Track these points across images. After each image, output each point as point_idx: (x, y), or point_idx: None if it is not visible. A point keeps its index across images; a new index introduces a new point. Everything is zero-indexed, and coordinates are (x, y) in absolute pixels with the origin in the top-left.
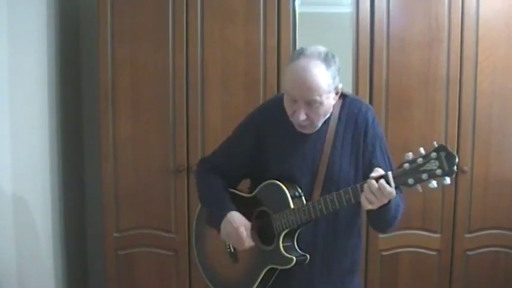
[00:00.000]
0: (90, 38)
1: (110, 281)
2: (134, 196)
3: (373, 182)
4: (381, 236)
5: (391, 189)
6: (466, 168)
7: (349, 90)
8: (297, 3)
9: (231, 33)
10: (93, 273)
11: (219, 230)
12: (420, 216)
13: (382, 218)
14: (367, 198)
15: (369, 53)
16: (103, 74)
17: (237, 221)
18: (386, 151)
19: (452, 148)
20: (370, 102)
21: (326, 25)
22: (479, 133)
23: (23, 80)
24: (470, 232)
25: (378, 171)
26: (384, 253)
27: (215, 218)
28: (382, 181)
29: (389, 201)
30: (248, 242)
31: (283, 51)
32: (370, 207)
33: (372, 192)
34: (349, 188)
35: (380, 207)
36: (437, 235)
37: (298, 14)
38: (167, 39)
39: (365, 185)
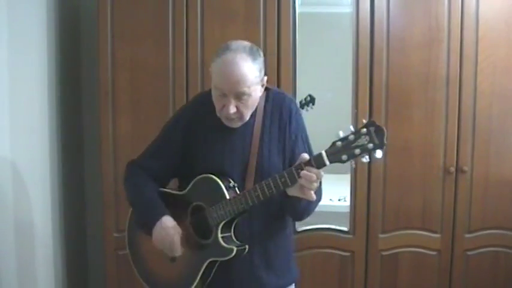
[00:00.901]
0: (90, 38)
1: (110, 281)
2: None
3: (311, 168)
4: (381, 235)
5: (321, 174)
6: (466, 168)
7: (349, 90)
8: (297, 3)
9: (231, 33)
10: (93, 273)
11: (150, 234)
12: (420, 216)
13: (298, 205)
14: (302, 185)
15: (369, 53)
16: (103, 74)
17: (170, 227)
18: (308, 140)
19: (452, 148)
20: (370, 102)
21: (326, 25)
22: (479, 133)
23: (23, 80)
24: (470, 232)
25: (305, 156)
26: (384, 253)
27: (147, 223)
28: (313, 168)
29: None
30: (180, 250)
31: (283, 51)
32: (297, 193)
33: (306, 180)
34: (284, 171)
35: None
36: (437, 235)
37: (298, 14)
38: (167, 39)
39: (303, 172)
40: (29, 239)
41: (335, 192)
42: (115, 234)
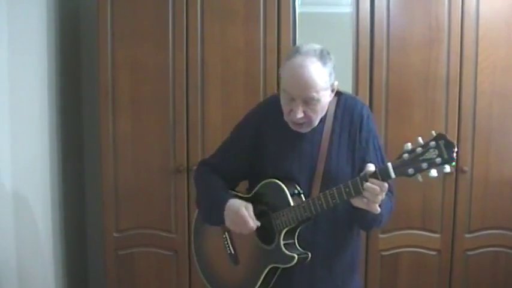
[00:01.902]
0: (90, 38)
1: (110, 281)
2: (134, 196)
3: (374, 180)
4: (381, 235)
5: (386, 186)
6: (466, 168)
7: (349, 90)
8: (297, 3)
9: (231, 33)
10: (93, 273)
11: (222, 223)
12: (420, 216)
13: (366, 216)
14: (364, 197)
15: (369, 53)
16: (103, 74)
17: (237, 206)
18: (380, 148)
19: None
20: (370, 102)
21: (326, 25)
22: (479, 133)
23: (23, 80)
24: (470, 232)
25: (371, 167)
26: (384, 253)
27: (217, 212)
28: (376, 181)
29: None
30: (252, 221)
31: (283, 51)
32: (362, 204)
33: (369, 192)
34: (349, 181)
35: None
36: (437, 235)
37: (298, 14)
38: (167, 39)
39: (366, 185)
40: (29, 239)
41: None
42: (115, 234)
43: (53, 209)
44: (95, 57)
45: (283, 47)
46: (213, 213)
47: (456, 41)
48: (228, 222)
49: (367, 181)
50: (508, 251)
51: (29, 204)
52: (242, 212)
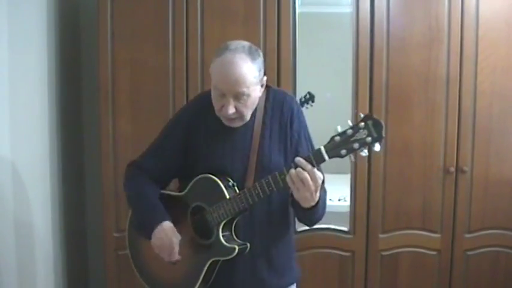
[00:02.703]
0: (90, 38)
1: (110, 281)
2: None
3: (297, 170)
4: (381, 235)
5: (318, 173)
6: (466, 168)
7: (349, 90)
8: (297, 3)
9: (231, 33)
10: (93, 273)
11: (149, 238)
12: (420, 216)
13: (312, 216)
14: (294, 185)
15: (369, 53)
16: (103, 74)
17: (171, 233)
18: (310, 139)
19: (452, 148)
20: (370, 102)
21: (326, 25)
22: (479, 133)
23: (23, 80)
24: (470, 232)
25: (300, 160)
26: (384, 253)
27: (147, 227)
28: (308, 167)
29: (317, 201)
30: (177, 256)
31: (283, 51)
32: (299, 194)
33: (299, 180)
34: (284, 168)
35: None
36: (437, 235)
37: (298, 14)
38: (167, 39)
39: (290, 174)
40: (29, 239)
41: (335, 192)
42: (115, 234)
43: (53, 209)
44: (95, 57)
45: (283, 47)
46: (142, 227)
47: (456, 41)
48: (155, 242)
49: (300, 167)
50: (508, 251)
51: (29, 204)
52: (174, 240)
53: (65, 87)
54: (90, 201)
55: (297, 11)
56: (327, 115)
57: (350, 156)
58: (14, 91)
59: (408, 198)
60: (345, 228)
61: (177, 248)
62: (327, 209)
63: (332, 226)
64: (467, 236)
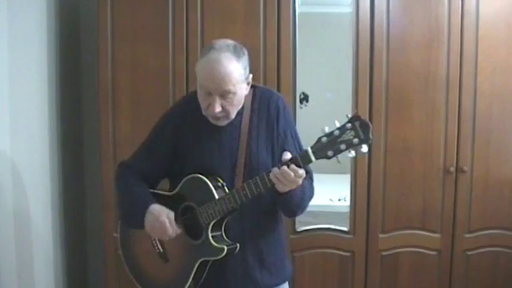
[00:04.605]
0: (90, 38)
1: (110, 281)
2: None
3: (284, 168)
4: (381, 235)
5: (302, 172)
6: (466, 168)
7: (349, 90)
8: (297, 3)
9: (231, 33)
10: (93, 273)
11: (142, 228)
12: (420, 216)
13: (290, 202)
14: (280, 183)
15: (369, 53)
16: (103, 74)
17: (158, 211)
18: (297, 137)
19: (452, 148)
20: (370, 102)
21: (326, 25)
22: (479, 133)
23: (23, 80)
24: (470, 232)
25: (288, 155)
26: (384, 253)
27: (137, 217)
28: (293, 166)
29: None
30: (172, 229)
31: (283, 51)
32: (284, 189)
33: (284, 177)
34: (272, 168)
35: (286, 193)
36: (437, 235)
37: (298, 14)
38: (167, 39)
39: (273, 172)
40: (29, 238)
41: (335, 192)
42: (115, 234)
43: (53, 209)
44: (95, 57)
45: (283, 47)
46: (133, 218)
47: (456, 41)
48: (147, 228)
49: (288, 167)
50: (508, 251)
51: (29, 204)
52: (162, 218)
53: (65, 87)
54: (90, 201)
55: (297, 11)
56: (327, 115)
57: (337, 157)
58: (14, 91)
59: (408, 198)
60: (345, 228)
61: (168, 225)
62: (327, 209)
63: (332, 226)
64: (467, 236)
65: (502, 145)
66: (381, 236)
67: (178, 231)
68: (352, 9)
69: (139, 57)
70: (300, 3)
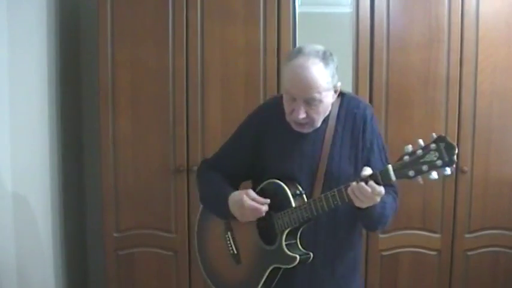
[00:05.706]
0: (90, 38)
1: (110, 281)
2: (134, 196)
3: (361, 184)
4: (381, 235)
5: (380, 189)
6: (466, 168)
7: (349, 90)
8: (297, 3)
9: (231, 33)
10: (93, 273)
11: (229, 217)
12: (420, 216)
13: (368, 216)
14: (357, 198)
15: (369, 53)
16: (103, 74)
17: (238, 195)
18: (384, 149)
19: None
20: (370, 102)
21: (326, 25)
22: (479, 133)
23: (23, 80)
24: (470, 232)
25: (367, 170)
26: (384, 253)
27: (222, 206)
28: (371, 182)
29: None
30: (260, 200)
31: (283, 51)
32: (361, 205)
33: (361, 193)
34: (350, 182)
35: (365, 208)
36: (437, 235)
37: (298, 14)
38: (167, 39)
39: (351, 187)
40: (29, 238)
41: None
42: (115, 234)
43: (52, 209)
44: (95, 57)
45: (283, 47)
46: (218, 208)
47: (456, 41)
48: (236, 214)
49: (367, 182)
50: (508, 251)
51: (29, 204)
52: (244, 201)
53: (65, 88)
54: (90, 201)
55: (297, 11)
56: None
57: (418, 178)
58: (14, 91)
59: (408, 198)
60: None
61: (252, 202)
62: None
63: None
64: (467, 236)
65: (502, 145)
66: (381, 236)
67: (268, 201)
68: (352, 9)
69: (139, 57)
70: (300, 3)
